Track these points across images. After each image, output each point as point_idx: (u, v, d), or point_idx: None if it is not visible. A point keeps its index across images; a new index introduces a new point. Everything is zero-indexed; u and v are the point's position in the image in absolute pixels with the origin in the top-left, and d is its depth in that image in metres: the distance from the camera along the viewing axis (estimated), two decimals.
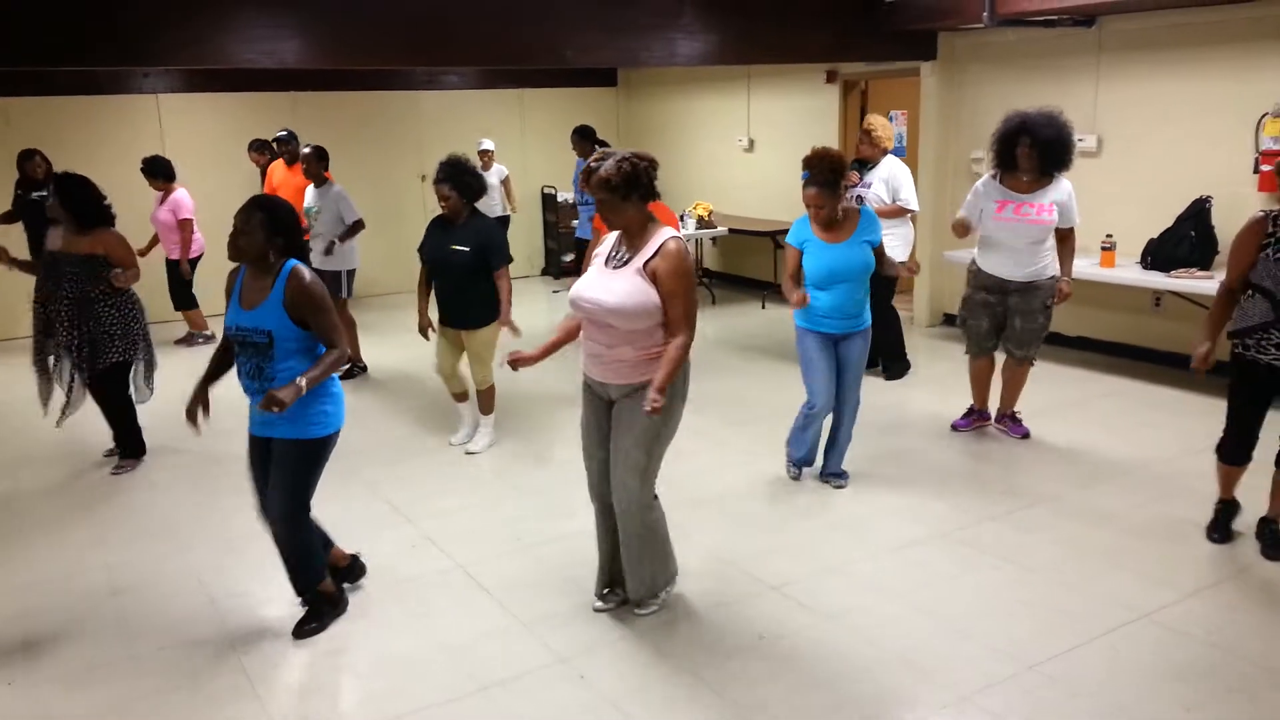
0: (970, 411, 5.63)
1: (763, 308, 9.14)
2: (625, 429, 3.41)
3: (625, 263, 3.35)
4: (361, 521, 4.59)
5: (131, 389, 5.37)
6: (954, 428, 5.61)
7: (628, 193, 3.29)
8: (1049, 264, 5.12)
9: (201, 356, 8.13)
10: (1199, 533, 4.22)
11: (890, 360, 6.67)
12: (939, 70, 7.77)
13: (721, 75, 10.00)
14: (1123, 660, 3.29)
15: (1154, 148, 6.50)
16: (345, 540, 3.98)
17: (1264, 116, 5.96)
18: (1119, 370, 6.62)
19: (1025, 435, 5.44)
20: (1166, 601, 3.65)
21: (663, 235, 3.32)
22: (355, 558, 3.99)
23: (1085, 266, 6.16)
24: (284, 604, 3.81)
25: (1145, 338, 6.82)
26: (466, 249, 5.17)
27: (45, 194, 7.38)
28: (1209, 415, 5.71)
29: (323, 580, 3.67)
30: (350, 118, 10.05)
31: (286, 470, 3.46)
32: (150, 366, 5.40)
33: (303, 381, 3.29)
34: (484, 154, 9.62)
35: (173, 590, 4.04)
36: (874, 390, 6.42)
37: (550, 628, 3.62)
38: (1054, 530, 4.32)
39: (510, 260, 5.37)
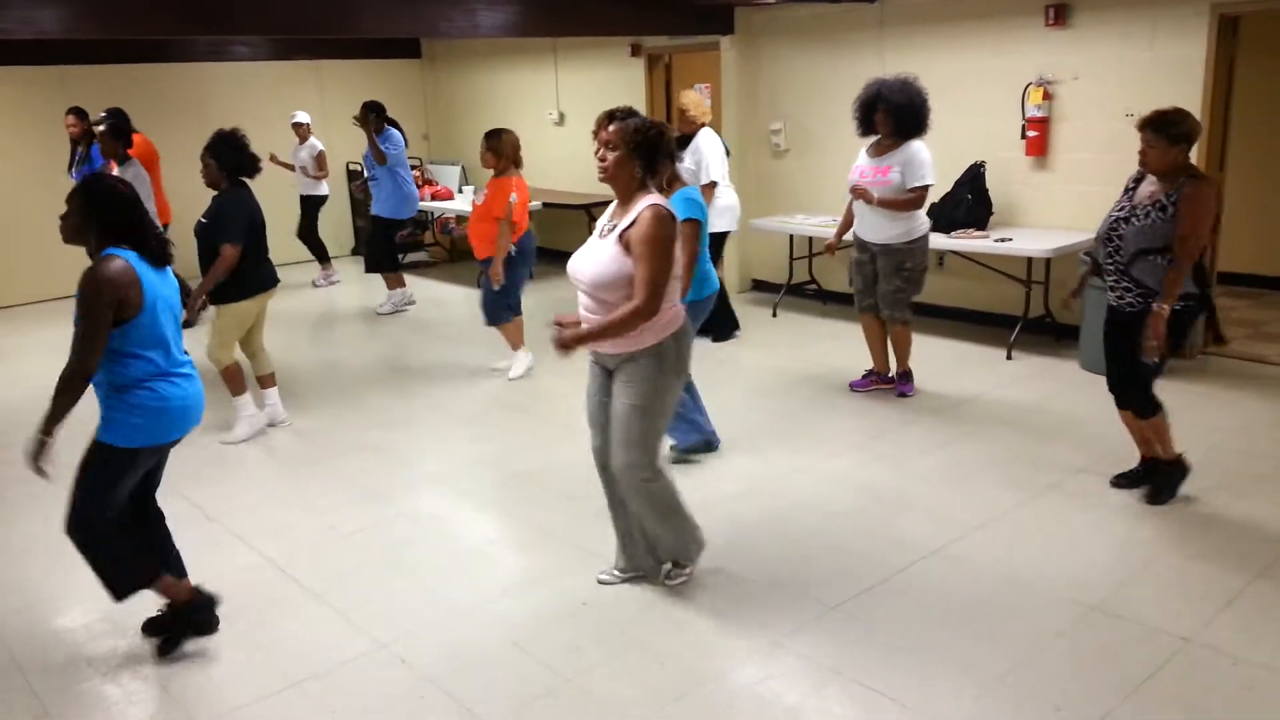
0: (868, 373, 5.77)
1: None
2: (620, 398, 3.35)
3: (611, 231, 3.30)
4: None
5: None
6: (851, 388, 5.75)
7: (639, 155, 3.23)
8: (904, 229, 5.26)
9: None
10: (982, 471, 4.58)
11: (719, 325, 6.90)
12: (737, 44, 7.99)
13: (529, 48, 9.92)
14: (915, 595, 3.55)
15: (934, 117, 6.91)
16: None
17: (1028, 86, 6.47)
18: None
19: (904, 394, 5.58)
20: (954, 537, 3.95)
21: (644, 203, 3.23)
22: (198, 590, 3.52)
23: None
24: (76, 614, 3.59)
25: (932, 295, 7.27)
26: (204, 220, 5.10)
27: None
28: (990, 365, 6.22)
29: (144, 583, 3.25)
30: (127, 93, 9.29)
31: (79, 470, 3.13)
32: None
33: (41, 435, 3.00)
34: (297, 127, 9.19)
35: None
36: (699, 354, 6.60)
37: (368, 615, 3.54)
38: (854, 478, 4.58)
39: (234, 240, 5.04)
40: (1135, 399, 4.16)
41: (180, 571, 3.42)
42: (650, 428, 3.37)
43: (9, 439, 5.45)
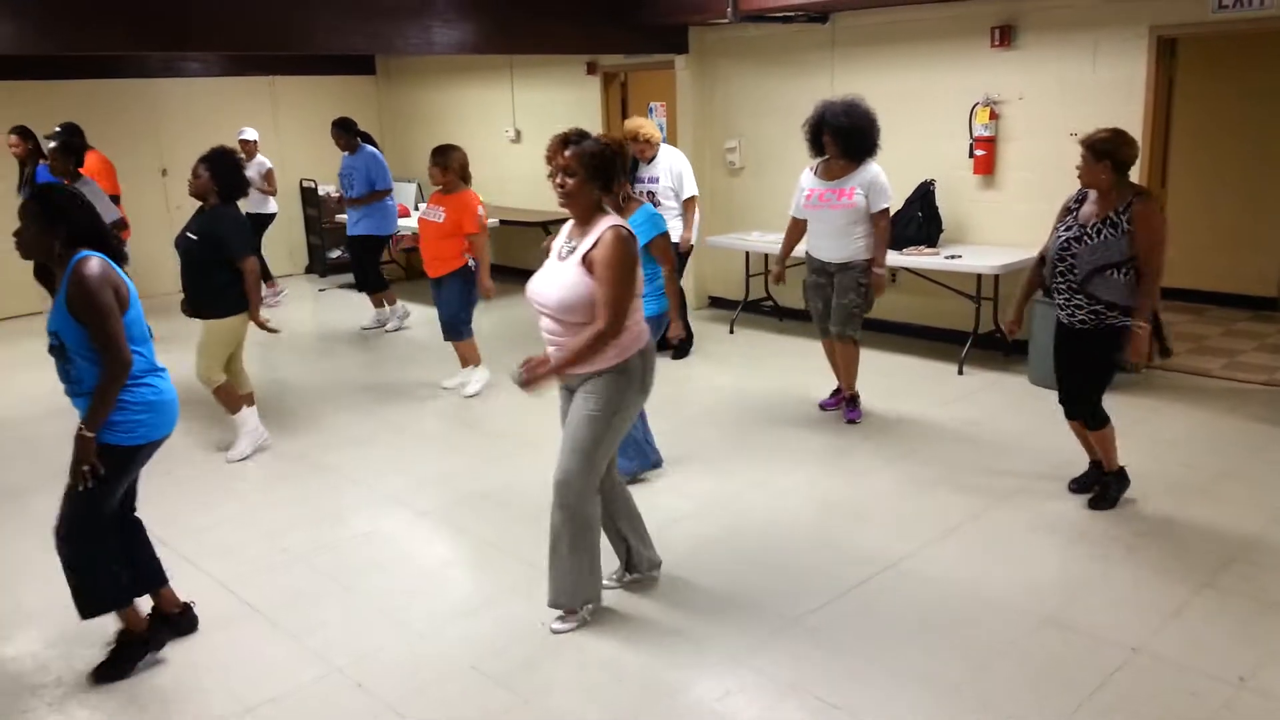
0: (836, 391, 5.72)
1: None
2: (579, 410, 3.33)
3: (571, 253, 3.28)
4: None
5: None
6: (821, 407, 5.70)
7: (597, 177, 3.23)
8: (864, 246, 5.29)
9: None
10: (936, 485, 4.64)
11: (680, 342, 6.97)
12: (691, 63, 8.07)
13: (485, 65, 9.92)
14: (872, 609, 3.58)
15: (884, 135, 7.01)
16: None
17: (976, 106, 6.60)
18: (864, 342, 7.12)
19: (851, 420, 5.51)
20: (909, 551, 4.00)
21: (605, 224, 3.24)
22: (188, 607, 3.56)
23: None
24: (21, 641, 3.51)
25: (885, 311, 7.37)
26: (195, 236, 5.00)
27: None
28: (942, 380, 6.31)
29: (118, 607, 3.28)
30: (78, 109, 9.11)
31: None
32: None
33: (85, 431, 3.03)
34: (244, 144, 9.07)
35: None
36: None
37: (324, 638, 3.50)
38: (811, 493, 4.62)
39: (252, 253, 5.09)
40: (1087, 412, 4.27)
41: (162, 579, 3.46)
42: (600, 442, 3.33)
43: None
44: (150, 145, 9.56)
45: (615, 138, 4.50)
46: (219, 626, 3.62)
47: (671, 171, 6.57)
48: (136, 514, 3.48)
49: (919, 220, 6.66)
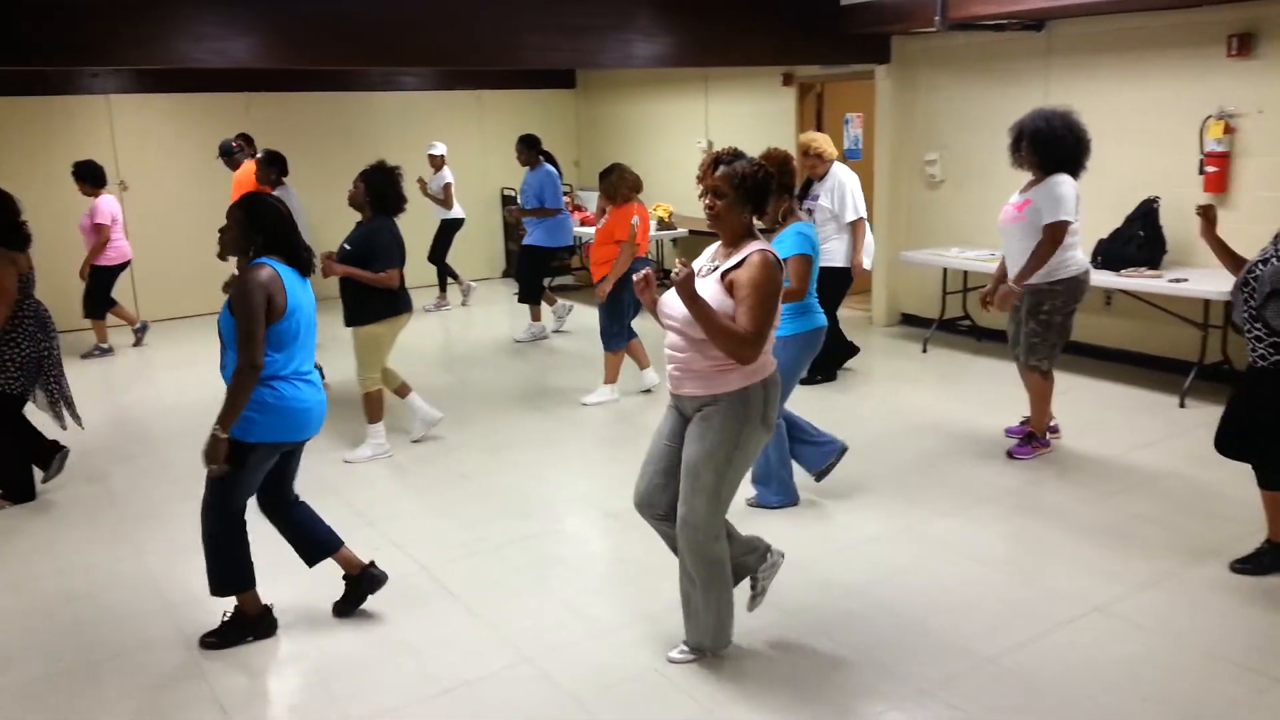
0: (1026, 419, 5.31)
1: None
2: (696, 445, 3.14)
3: (712, 271, 3.18)
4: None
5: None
6: (1008, 433, 5.41)
7: (748, 199, 3.12)
8: (1047, 268, 4.83)
9: (104, 368, 7.80)
10: (1149, 526, 4.32)
11: (830, 364, 6.72)
12: (893, 73, 7.87)
13: (679, 77, 10.05)
14: (1078, 652, 3.36)
15: (1102, 149, 6.56)
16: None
17: (1207, 119, 6.12)
18: (1072, 368, 6.73)
19: (1011, 455, 5.15)
20: (1117, 594, 3.73)
21: (752, 247, 3.11)
22: (371, 564, 3.76)
23: None
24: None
25: (1097, 335, 6.96)
26: (350, 247, 5.20)
27: None
28: (1161, 413, 5.86)
29: (241, 590, 3.52)
30: (305, 119, 9.96)
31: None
32: (55, 397, 4.98)
33: (217, 430, 3.25)
34: (433, 158, 9.50)
35: (128, 596, 3.97)
36: (830, 390, 6.51)
37: (515, 628, 3.62)
38: (1007, 525, 4.40)
39: (393, 266, 5.21)
40: (1259, 462, 3.80)
41: (336, 544, 3.71)
42: (722, 480, 3.13)
43: (166, 445, 5.87)
44: (369, 154, 10.00)
45: (777, 154, 4.39)
46: (420, 606, 3.82)
47: (835, 193, 6.23)
48: (296, 497, 3.72)
49: (1140, 239, 6.23)
